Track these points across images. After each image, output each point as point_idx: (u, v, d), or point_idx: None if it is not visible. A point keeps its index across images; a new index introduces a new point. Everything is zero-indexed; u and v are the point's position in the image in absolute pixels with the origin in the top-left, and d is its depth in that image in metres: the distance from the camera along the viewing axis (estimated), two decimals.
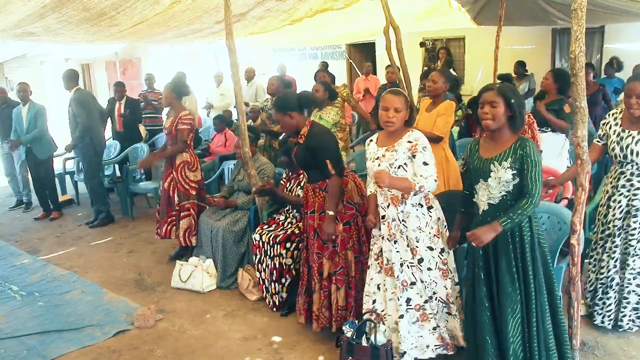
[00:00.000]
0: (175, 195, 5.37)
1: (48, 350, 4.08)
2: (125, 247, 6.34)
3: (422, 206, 3.32)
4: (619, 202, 3.72)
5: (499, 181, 2.92)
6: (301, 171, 4.61)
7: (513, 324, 2.95)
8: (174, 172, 5.37)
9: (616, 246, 3.77)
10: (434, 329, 3.38)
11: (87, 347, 4.12)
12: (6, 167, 8.20)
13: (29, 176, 8.00)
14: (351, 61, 13.48)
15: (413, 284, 3.33)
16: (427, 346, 3.38)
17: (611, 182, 3.81)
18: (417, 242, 3.29)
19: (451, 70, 9.94)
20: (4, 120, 7.73)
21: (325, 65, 11.51)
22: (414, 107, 3.38)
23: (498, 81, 6.69)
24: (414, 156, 3.22)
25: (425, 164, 3.22)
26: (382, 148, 3.33)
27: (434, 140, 4.44)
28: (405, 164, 3.23)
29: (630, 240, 3.71)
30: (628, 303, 3.80)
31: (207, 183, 6.51)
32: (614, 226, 3.76)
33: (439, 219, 3.39)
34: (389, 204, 3.33)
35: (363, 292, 3.64)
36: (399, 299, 3.33)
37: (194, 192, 5.41)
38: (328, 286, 3.82)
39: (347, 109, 7.05)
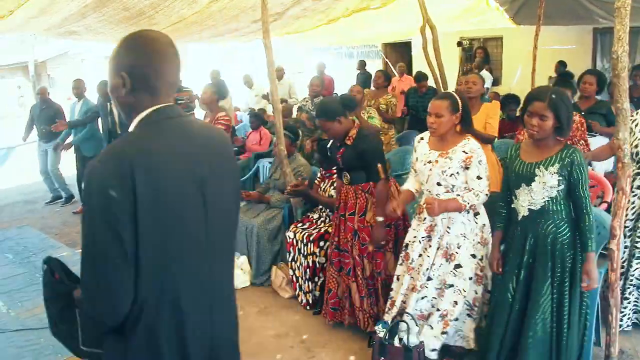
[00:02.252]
0: None
1: None
2: None
3: (468, 212, 3.29)
4: (632, 202, 3.66)
5: (544, 186, 2.86)
6: (334, 170, 4.61)
7: (540, 327, 2.92)
8: None
9: (625, 247, 3.69)
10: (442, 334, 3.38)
11: None
12: (41, 166, 8.37)
13: (61, 173, 8.28)
14: (387, 60, 13.42)
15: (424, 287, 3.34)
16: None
17: None
18: (458, 248, 3.27)
19: (486, 70, 9.86)
20: (44, 121, 7.89)
21: (363, 64, 11.47)
22: (467, 108, 3.33)
23: (547, 78, 6.54)
24: (467, 167, 3.19)
25: (479, 177, 3.19)
26: (434, 151, 3.30)
27: (488, 141, 4.44)
28: (457, 172, 3.21)
29: (637, 242, 3.64)
30: (628, 302, 3.74)
31: (243, 180, 6.55)
32: (624, 227, 3.65)
33: (484, 225, 3.36)
34: (444, 211, 3.29)
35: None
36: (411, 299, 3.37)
37: None
38: (373, 285, 3.83)
39: None
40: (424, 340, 3.34)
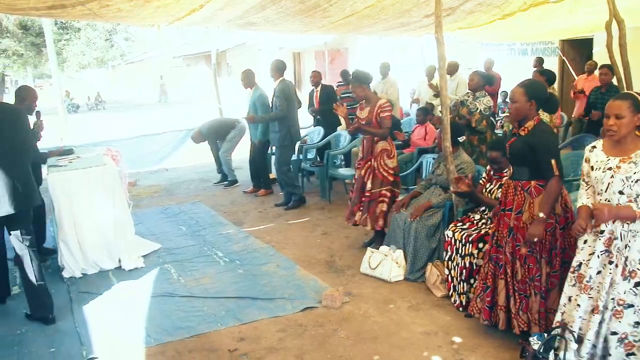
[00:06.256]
0: (369, 182, 5.47)
1: (243, 315, 4.42)
2: (320, 229, 6.62)
3: None
4: None
5: None
6: (504, 173, 4.44)
7: None
8: (373, 160, 5.47)
9: None
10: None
11: (277, 317, 4.38)
12: (214, 151, 9.26)
13: (229, 159, 9.02)
14: (564, 58, 12.62)
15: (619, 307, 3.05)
16: None
17: None
18: None
19: None
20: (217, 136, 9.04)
21: (540, 61, 10.90)
22: None
23: None
24: None
25: None
26: (614, 157, 3.04)
27: None
28: None
29: None
30: None
31: (404, 175, 6.53)
32: None
33: None
34: (615, 220, 3.06)
35: (550, 304, 3.53)
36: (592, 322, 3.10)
37: (391, 179, 5.48)
38: (524, 289, 3.66)
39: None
40: None
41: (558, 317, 3.31)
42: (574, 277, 3.25)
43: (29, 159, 4.45)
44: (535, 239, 3.49)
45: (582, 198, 3.30)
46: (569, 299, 3.27)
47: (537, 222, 3.47)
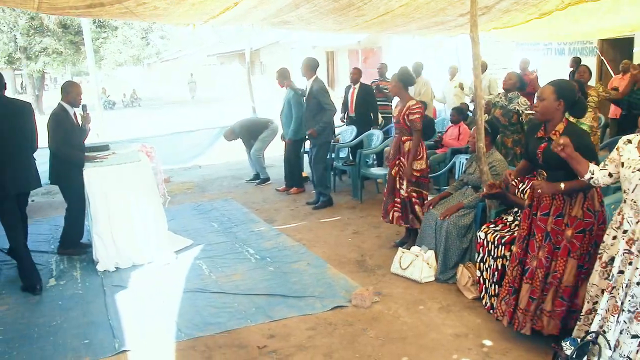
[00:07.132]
0: (404, 182, 5.45)
1: (273, 312, 4.44)
2: (351, 228, 6.61)
3: None
4: None
5: None
6: (536, 172, 4.37)
7: None
8: (402, 159, 5.45)
9: None
10: None
11: (307, 315, 4.39)
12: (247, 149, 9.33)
13: (261, 157, 9.09)
14: (603, 58, 12.36)
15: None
16: None
17: None
18: None
19: None
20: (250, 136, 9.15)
21: (577, 61, 10.74)
22: None
23: None
24: None
25: None
26: None
27: None
28: None
29: None
30: None
31: (437, 175, 6.49)
32: None
33: None
34: (638, 221, 2.98)
35: (581, 302, 3.49)
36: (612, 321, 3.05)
37: (413, 180, 5.44)
38: (546, 289, 3.61)
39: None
40: None
41: (596, 320, 3.25)
42: (604, 270, 3.21)
43: (32, 148, 5.08)
44: (539, 191, 3.50)
45: (596, 169, 3.25)
46: (602, 292, 3.22)
47: (555, 186, 3.45)
